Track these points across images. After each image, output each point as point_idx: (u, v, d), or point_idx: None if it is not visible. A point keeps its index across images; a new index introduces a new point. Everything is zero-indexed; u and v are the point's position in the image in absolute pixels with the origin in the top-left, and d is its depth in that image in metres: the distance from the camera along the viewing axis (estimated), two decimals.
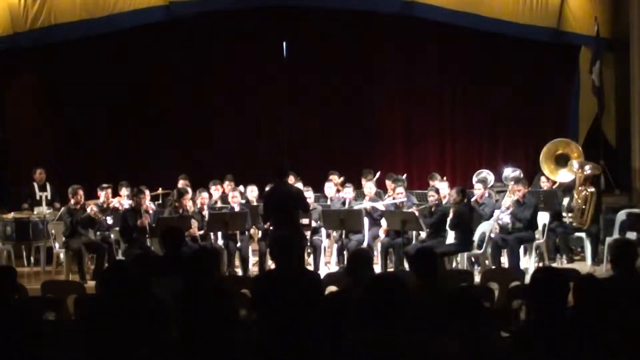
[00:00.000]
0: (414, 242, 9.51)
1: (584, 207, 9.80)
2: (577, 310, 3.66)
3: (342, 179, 10.84)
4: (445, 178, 10.80)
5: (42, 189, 11.02)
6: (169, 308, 4.28)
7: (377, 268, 8.99)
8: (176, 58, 12.67)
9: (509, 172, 10.88)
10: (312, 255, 9.63)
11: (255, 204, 9.92)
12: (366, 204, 9.85)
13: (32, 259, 10.39)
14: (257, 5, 12.21)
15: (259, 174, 10.92)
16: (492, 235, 9.11)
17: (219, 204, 10.10)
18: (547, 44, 12.14)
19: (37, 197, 10.92)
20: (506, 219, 9.25)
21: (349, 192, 10.03)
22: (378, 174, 10.91)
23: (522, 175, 10.61)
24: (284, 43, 12.89)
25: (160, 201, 10.56)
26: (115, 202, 9.95)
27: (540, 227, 9.51)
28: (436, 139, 13.15)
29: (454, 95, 13.05)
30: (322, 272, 9.16)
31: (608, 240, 9.38)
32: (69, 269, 9.49)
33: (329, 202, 10.30)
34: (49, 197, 10.94)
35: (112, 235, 9.58)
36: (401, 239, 9.08)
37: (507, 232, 9.20)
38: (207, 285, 4.64)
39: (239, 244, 9.47)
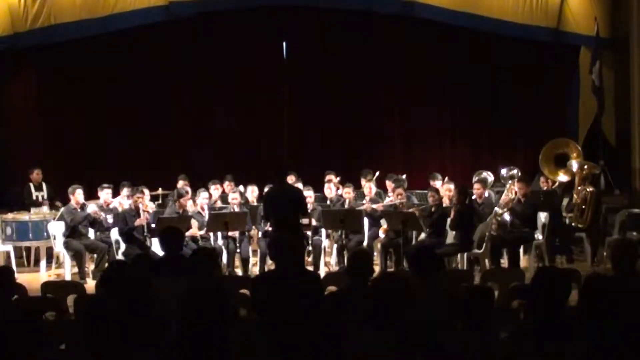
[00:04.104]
0: (414, 242, 9.50)
1: (583, 207, 9.78)
2: (582, 309, 3.66)
3: (339, 178, 10.83)
4: (447, 178, 10.77)
5: (39, 189, 11.01)
6: (169, 308, 4.27)
7: (377, 268, 9.00)
8: (176, 58, 12.66)
9: (505, 171, 10.86)
10: (312, 255, 9.62)
11: (255, 204, 9.92)
12: (367, 206, 9.83)
13: (32, 259, 10.39)
14: (257, 5, 12.21)
15: (259, 174, 10.92)
16: (492, 233, 9.10)
17: (219, 204, 10.10)
18: (547, 44, 12.14)
19: (34, 197, 10.91)
20: (505, 216, 9.24)
21: (348, 193, 10.04)
22: (377, 173, 10.90)
23: (519, 173, 10.57)
24: (284, 43, 12.91)
25: (160, 201, 10.56)
26: (115, 202, 9.94)
27: (540, 227, 9.50)
28: (436, 138, 13.16)
29: (453, 95, 13.05)
30: (322, 272, 9.17)
31: (608, 240, 9.38)
32: (69, 269, 9.49)
33: (328, 203, 10.29)
34: (45, 197, 10.93)
35: (112, 235, 9.58)
36: (401, 239, 9.08)
37: (506, 230, 9.19)
38: (207, 285, 4.63)
39: (239, 244, 9.47)
